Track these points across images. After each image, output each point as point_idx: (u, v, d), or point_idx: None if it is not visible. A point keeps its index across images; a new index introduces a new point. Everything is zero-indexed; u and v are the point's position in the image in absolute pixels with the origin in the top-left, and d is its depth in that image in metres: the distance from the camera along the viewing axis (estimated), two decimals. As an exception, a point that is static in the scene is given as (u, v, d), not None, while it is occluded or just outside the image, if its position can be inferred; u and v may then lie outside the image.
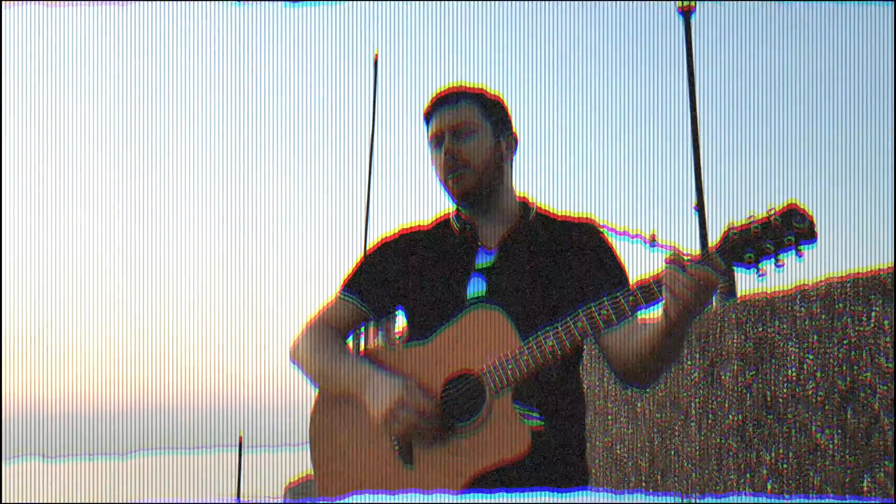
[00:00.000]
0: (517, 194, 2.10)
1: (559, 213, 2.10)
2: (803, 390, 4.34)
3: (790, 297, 4.52)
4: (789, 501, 4.13)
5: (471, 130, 2.02)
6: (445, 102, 2.05)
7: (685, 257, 1.67)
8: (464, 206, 2.06)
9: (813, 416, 4.26)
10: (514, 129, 2.10)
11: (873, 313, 3.91)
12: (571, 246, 2.01)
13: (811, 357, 4.32)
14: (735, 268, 1.68)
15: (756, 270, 1.67)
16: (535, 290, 1.96)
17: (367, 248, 2.19)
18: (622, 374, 1.94)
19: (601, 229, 2.06)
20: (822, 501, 3.82)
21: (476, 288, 1.99)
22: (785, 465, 4.43)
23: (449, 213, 2.12)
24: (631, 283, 1.80)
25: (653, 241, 1.83)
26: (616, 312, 1.77)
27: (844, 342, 4.09)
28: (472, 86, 2.09)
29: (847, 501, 3.80)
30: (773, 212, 1.64)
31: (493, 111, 2.07)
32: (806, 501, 3.95)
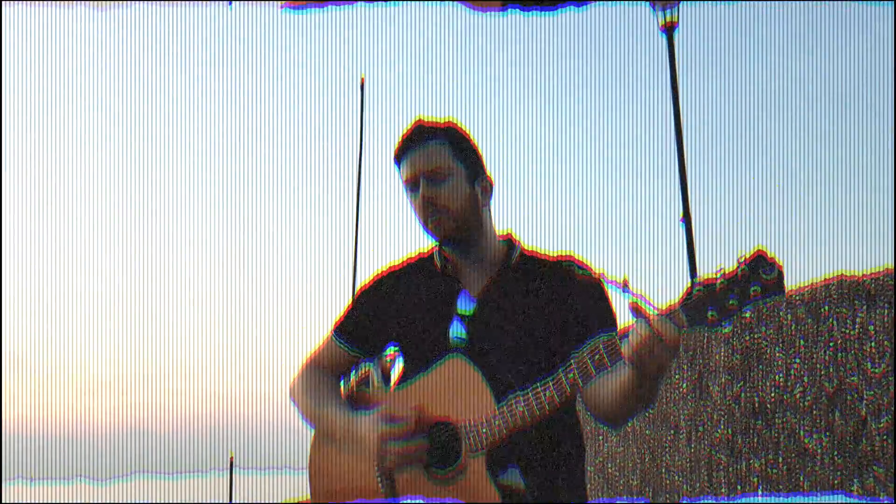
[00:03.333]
0: (499, 234, 2.08)
1: (542, 253, 2.08)
2: (791, 395, 4.37)
3: (775, 303, 4.56)
4: (786, 500, 4.13)
5: (445, 175, 1.99)
6: (414, 143, 2.02)
7: (649, 308, 1.64)
8: (447, 247, 2.06)
9: (801, 421, 4.28)
10: (488, 173, 2.07)
11: (858, 318, 3.95)
12: (555, 294, 2.00)
13: (798, 361, 4.35)
14: (699, 327, 1.63)
15: (720, 328, 1.64)
16: (515, 341, 1.96)
17: (357, 290, 2.23)
18: (594, 414, 1.94)
19: (587, 271, 2.01)
20: (827, 501, 3.82)
21: (458, 331, 2.00)
22: (774, 471, 4.44)
23: (434, 248, 2.11)
24: (601, 339, 1.77)
25: (625, 287, 1.77)
26: (582, 375, 1.75)
27: (830, 345, 4.12)
28: (439, 121, 2.06)
29: (848, 501, 3.80)
30: (741, 261, 1.60)
31: (464, 153, 2.04)
32: (805, 500, 3.95)
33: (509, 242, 2.06)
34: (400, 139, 2.05)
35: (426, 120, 2.06)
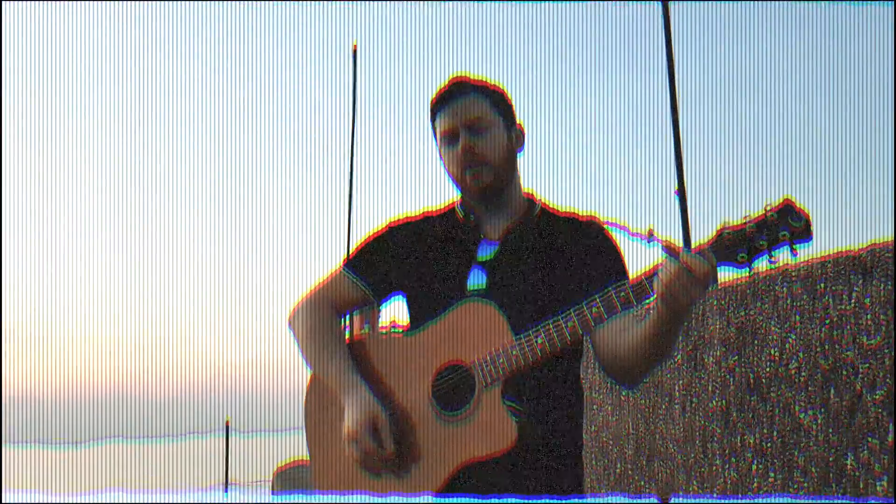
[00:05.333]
0: (523, 189, 2.09)
1: (563, 210, 2.09)
2: (786, 370, 4.37)
3: (771, 277, 4.55)
4: (790, 500, 4.15)
5: (485, 126, 2.00)
6: (455, 95, 2.02)
7: (679, 247, 1.66)
8: (475, 201, 2.05)
9: (796, 396, 4.28)
10: (518, 122, 2.09)
11: (854, 293, 3.93)
12: (574, 243, 2.01)
13: (793, 337, 4.34)
14: (727, 267, 1.67)
15: (749, 269, 1.66)
16: (534, 285, 1.95)
17: (374, 231, 2.17)
18: (611, 370, 1.94)
19: (605, 227, 2.04)
20: (826, 502, 3.84)
21: (476, 280, 1.98)
22: (769, 445, 4.45)
23: (454, 202, 2.11)
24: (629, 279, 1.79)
25: (650, 237, 1.80)
26: (606, 308, 1.76)
27: (826, 322, 4.11)
28: (475, 77, 2.07)
29: (848, 502, 3.82)
30: (768, 208, 1.63)
31: (501, 104, 2.05)
32: (809, 501, 3.97)
33: (531, 200, 2.07)
34: (437, 93, 2.05)
35: (462, 76, 2.07)
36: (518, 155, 2.07)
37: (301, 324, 2.12)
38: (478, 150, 1.98)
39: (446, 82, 2.06)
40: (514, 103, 2.10)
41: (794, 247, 1.62)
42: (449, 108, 2.01)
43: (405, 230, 2.12)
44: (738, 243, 1.64)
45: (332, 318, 2.12)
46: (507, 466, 1.84)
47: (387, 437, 1.89)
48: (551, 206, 2.10)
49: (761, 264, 1.66)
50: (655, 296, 1.69)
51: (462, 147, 1.98)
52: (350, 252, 2.18)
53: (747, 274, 1.69)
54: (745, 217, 1.65)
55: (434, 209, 2.15)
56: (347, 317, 2.28)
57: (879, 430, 3.76)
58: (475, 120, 1.99)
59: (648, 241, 1.77)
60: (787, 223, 1.61)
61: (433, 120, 2.07)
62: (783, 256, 1.64)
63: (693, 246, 1.69)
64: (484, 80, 2.08)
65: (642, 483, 5.85)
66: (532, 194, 2.09)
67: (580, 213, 2.08)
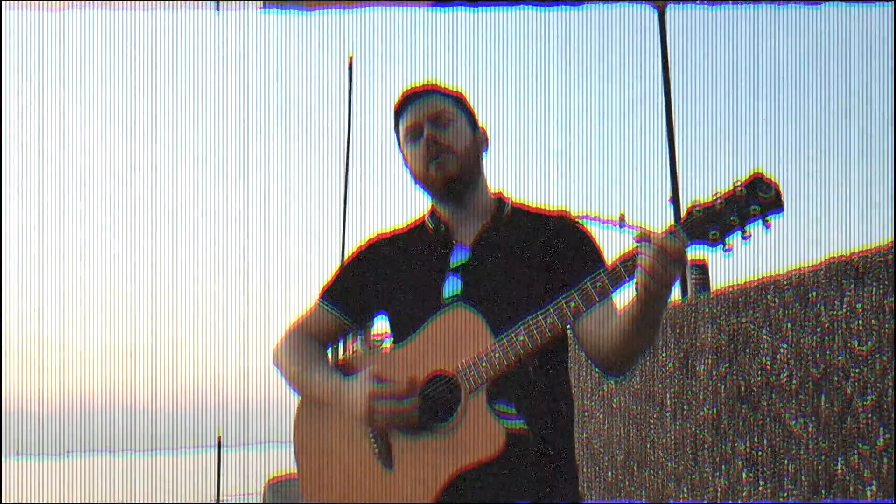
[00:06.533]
0: (492, 190, 2.09)
1: (534, 206, 2.08)
2: (777, 379, 4.36)
3: (763, 286, 4.55)
4: None
5: (449, 118, 2.02)
6: (419, 95, 2.05)
7: (651, 231, 1.66)
8: (442, 198, 2.05)
9: (787, 405, 4.28)
10: (482, 125, 2.10)
11: (846, 297, 3.93)
12: (548, 239, 2.00)
13: (785, 346, 4.34)
14: (701, 246, 1.66)
15: (723, 247, 1.65)
16: (510, 286, 1.94)
17: (346, 257, 2.18)
18: (597, 361, 1.92)
19: (578, 220, 2.04)
20: (828, 503, 3.83)
21: (452, 287, 1.97)
22: (759, 454, 4.44)
23: (423, 215, 2.11)
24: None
25: (622, 222, 1.82)
26: (584, 300, 1.75)
27: (818, 329, 4.11)
28: (436, 83, 2.10)
29: (849, 502, 3.81)
30: (737, 184, 1.61)
31: (463, 106, 2.07)
32: None
33: (500, 199, 2.07)
34: (401, 94, 2.08)
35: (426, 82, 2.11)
36: (483, 156, 2.07)
37: (284, 356, 2.13)
38: (442, 140, 1.99)
39: (408, 87, 2.06)
40: (475, 110, 2.12)
41: (766, 219, 1.61)
42: (412, 106, 2.04)
43: (377, 251, 2.12)
44: (708, 220, 1.63)
45: (312, 343, 2.13)
46: (501, 471, 1.83)
47: (393, 377, 1.88)
48: (523, 203, 2.10)
49: (735, 241, 1.65)
50: (635, 282, 1.68)
51: (426, 138, 1.99)
52: (327, 280, 2.18)
53: (722, 252, 1.67)
54: (715, 193, 1.64)
55: (403, 225, 2.14)
56: (342, 341, 2.27)
57: (870, 436, 3.76)
58: (439, 112, 2.02)
59: (620, 227, 1.79)
60: (757, 196, 1.59)
61: (397, 126, 2.09)
62: (757, 230, 1.62)
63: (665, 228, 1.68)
64: (446, 86, 2.11)
65: (632, 489, 5.83)
66: (501, 193, 2.09)
67: (552, 208, 2.08)
